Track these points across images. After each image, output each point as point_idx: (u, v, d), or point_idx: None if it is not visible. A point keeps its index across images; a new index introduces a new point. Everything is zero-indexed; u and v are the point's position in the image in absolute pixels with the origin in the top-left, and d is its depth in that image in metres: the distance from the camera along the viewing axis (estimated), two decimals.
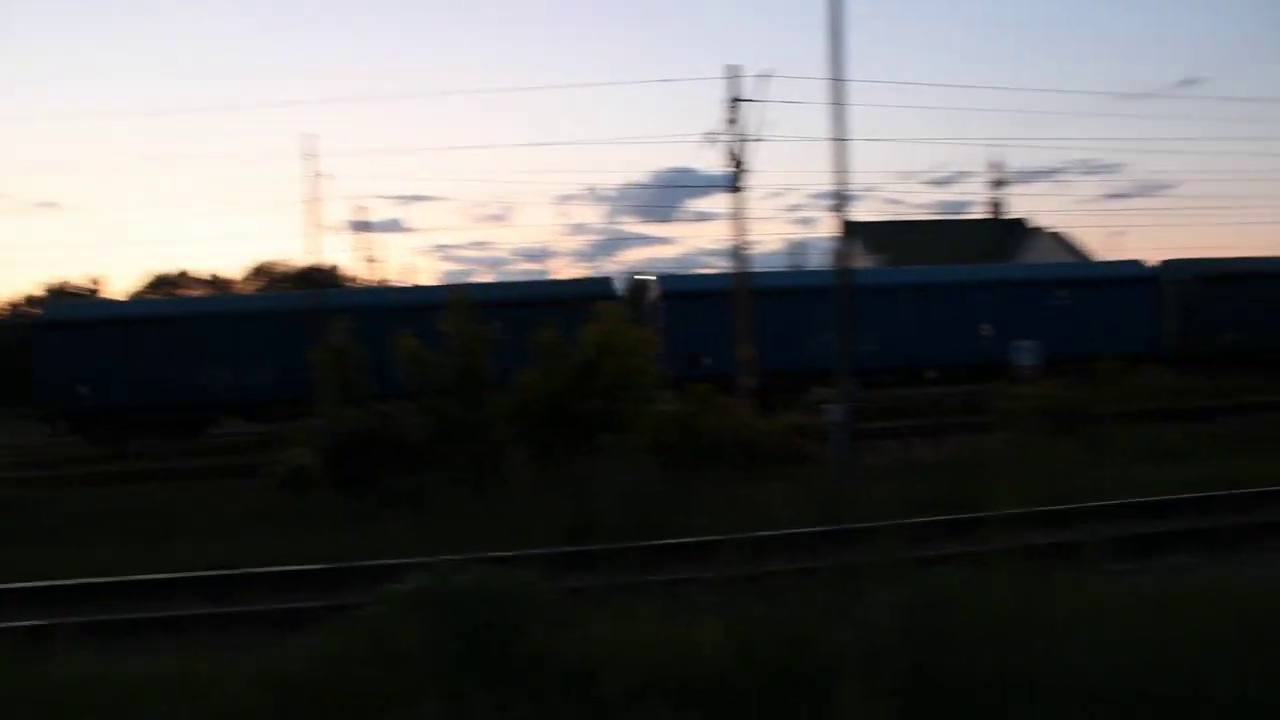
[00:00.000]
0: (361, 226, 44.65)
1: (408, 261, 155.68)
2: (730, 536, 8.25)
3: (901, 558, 6.21)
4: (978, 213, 79.24)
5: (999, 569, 5.92)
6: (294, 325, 27.00)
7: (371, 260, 49.53)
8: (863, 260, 57.70)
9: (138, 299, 52.46)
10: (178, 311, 31.76)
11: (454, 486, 14.90)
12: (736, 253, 24.61)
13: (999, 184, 76.88)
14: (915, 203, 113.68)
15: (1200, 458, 16.39)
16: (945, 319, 29.78)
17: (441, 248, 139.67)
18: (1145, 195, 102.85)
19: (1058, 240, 68.32)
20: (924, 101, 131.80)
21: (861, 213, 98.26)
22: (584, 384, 16.99)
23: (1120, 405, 19.30)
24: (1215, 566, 9.79)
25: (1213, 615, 5.56)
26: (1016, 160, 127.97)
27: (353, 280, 47.41)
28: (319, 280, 35.42)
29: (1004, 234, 72.12)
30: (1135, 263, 33.18)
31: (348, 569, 10.51)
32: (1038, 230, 70.99)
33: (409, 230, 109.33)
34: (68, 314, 31.88)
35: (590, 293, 27.47)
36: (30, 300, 50.63)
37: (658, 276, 31.05)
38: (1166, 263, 32.63)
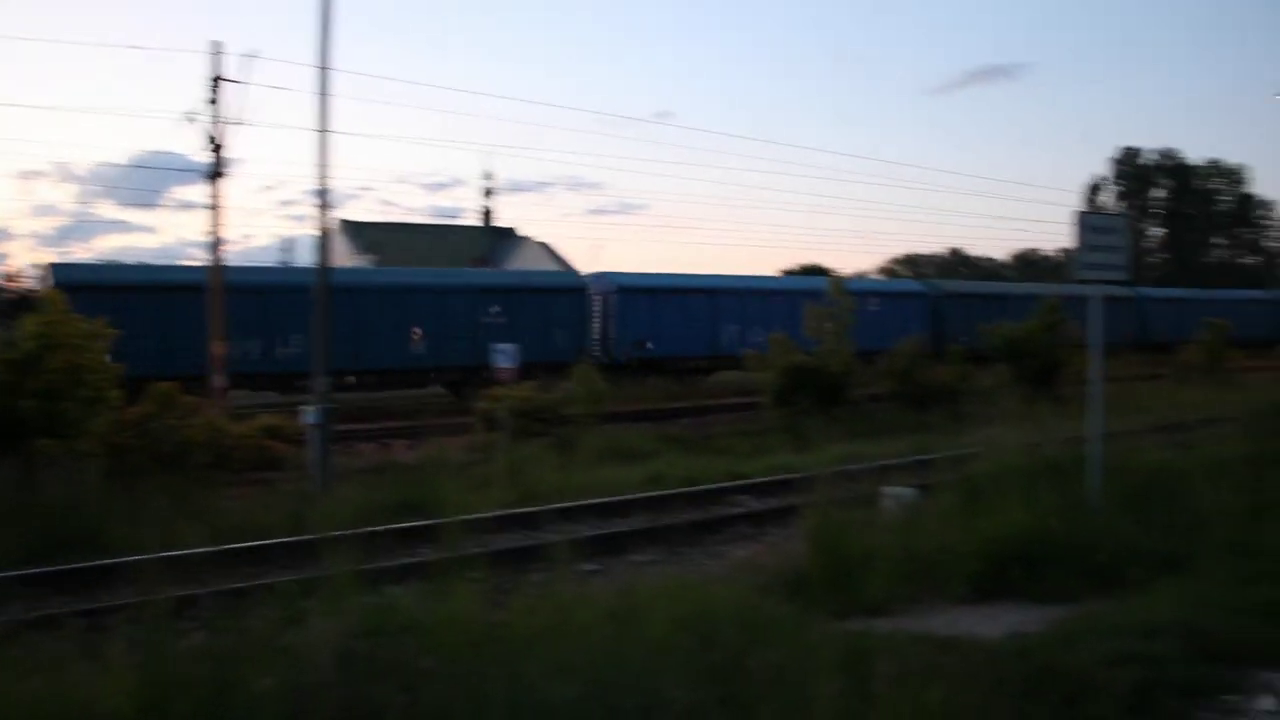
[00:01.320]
0: None
1: None
2: (171, 553, 7.35)
3: (356, 572, 5.74)
4: (471, 219, 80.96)
5: (460, 581, 5.62)
6: None
7: None
8: (351, 260, 57.07)
9: None
10: None
11: None
12: (213, 244, 22.77)
13: (490, 192, 79.06)
14: (411, 205, 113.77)
15: (658, 457, 17.45)
16: (706, 318, 34.56)
17: None
18: (624, 212, 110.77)
19: (544, 249, 71.36)
20: (424, 104, 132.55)
21: (357, 212, 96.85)
22: (22, 381, 14.75)
23: (592, 407, 20.08)
24: (671, 562, 10.33)
25: (668, 617, 5.64)
26: (509, 171, 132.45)
27: None
28: None
29: (495, 241, 74.12)
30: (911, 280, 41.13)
31: None
32: (526, 239, 73.78)
33: None
34: None
35: (566, 284, 34.29)
36: None
37: (609, 273, 34.65)
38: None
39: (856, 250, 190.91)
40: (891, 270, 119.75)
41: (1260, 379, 34.26)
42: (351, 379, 26.92)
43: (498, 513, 11.63)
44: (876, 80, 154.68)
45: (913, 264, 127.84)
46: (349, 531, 8.25)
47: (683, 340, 33.46)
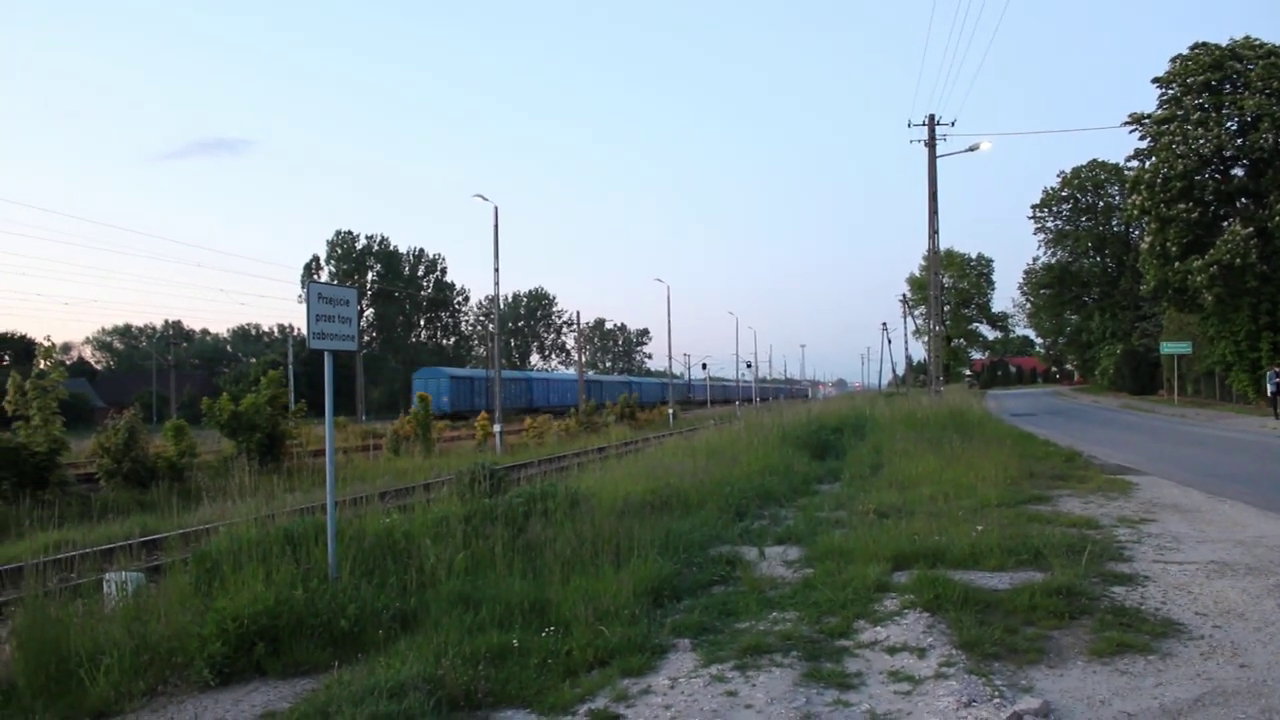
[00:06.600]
0: None
1: None
2: None
3: None
4: None
5: None
6: None
7: None
8: None
9: None
10: None
11: None
12: None
13: None
14: None
15: None
16: None
17: None
18: None
19: None
20: None
21: None
22: None
23: None
24: None
25: None
26: None
27: None
28: None
29: None
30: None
31: None
32: None
33: None
34: None
35: None
36: None
37: None
38: None
39: (65, 318, 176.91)
40: (106, 342, 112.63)
41: (464, 446, 37.75)
42: None
43: None
44: (96, 140, 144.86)
45: (128, 335, 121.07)
46: None
47: None
